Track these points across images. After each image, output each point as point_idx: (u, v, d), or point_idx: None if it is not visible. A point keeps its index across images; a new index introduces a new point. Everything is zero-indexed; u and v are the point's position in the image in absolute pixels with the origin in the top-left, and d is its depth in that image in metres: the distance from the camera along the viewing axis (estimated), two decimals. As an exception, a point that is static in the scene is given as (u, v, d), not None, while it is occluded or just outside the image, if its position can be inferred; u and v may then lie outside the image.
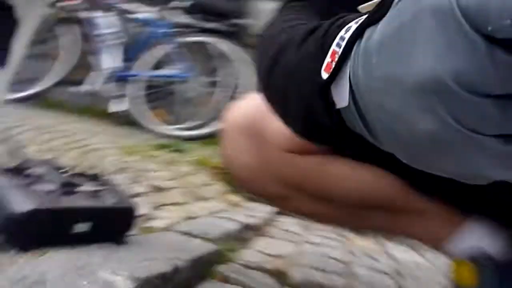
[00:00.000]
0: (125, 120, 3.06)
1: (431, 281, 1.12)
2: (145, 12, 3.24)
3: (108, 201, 0.79)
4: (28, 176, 0.78)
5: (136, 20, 3.24)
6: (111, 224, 0.79)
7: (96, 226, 0.75)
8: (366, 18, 0.39)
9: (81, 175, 0.84)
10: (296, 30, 0.53)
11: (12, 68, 0.88)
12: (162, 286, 0.71)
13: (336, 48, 0.42)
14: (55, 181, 0.77)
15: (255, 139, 0.79)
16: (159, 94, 3.23)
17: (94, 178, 0.85)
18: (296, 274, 1.00)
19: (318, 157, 0.73)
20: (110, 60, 3.11)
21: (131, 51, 3.15)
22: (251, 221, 1.38)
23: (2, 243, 0.67)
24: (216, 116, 3.10)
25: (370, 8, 0.39)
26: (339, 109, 0.43)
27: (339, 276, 1.05)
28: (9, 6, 0.86)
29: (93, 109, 3.17)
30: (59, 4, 3.06)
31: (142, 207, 1.13)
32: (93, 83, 3.09)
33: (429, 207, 0.77)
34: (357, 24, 0.40)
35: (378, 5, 0.38)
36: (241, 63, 3.10)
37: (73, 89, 3.11)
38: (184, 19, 3.26)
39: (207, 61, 3.28)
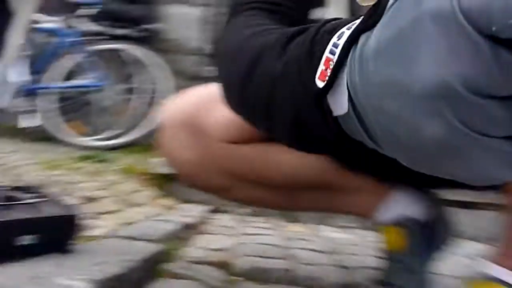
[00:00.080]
0: (40, 136, 2.93)
1: (364, 254, 1.21)
2: (50, 22, 3.11)
3: (51, 211, 0.78)
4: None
5: (40, 29, 3.10)
6: (56, 234, 0.78)
7: (41, 237, 0.74)
8: (360, 24, 0.38)
9: (18, 188, 0.82)
10: (268, 36, 0.52)
11: (7, 60, 0.85)
12: (118, 287, 0.72)
13: (330, 55, 0.41)
14: (-8, 197, 0.75)
15: (195, 133, 0.80)
16: (74, 106, 3.12)
17: (31, 190, 0.83)
18: (240, 264, 1.04)
19: (259, 145, 0.77)
20: (16, 74, 2.95)
21: (39, 63, 3.01)
22: (188, 220, 1.40)
23: None
24: (135, 123, 3.06)
25: (370, 1, 0.38)
26: (336, 117, 0.43)
27: (280, 259, 1.11)
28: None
29: (3, 127, 2.99)
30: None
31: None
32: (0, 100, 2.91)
33: (359, 183, 0.84)
34: (351, 30, 0.39)
35: (372, 9, 0.37)
36: (156, 68, 3.08)
37: (-22, 108, 2.92)
38: (93, 26, 3.17)
39: (121, 68, 3.22)
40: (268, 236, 1.38)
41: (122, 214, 1.39)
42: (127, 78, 3.21)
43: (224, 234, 1.37)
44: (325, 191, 0.84)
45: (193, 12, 3.26)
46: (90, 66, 3.06)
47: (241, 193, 0.83)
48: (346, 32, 0.40)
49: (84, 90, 3.11)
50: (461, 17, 0.29)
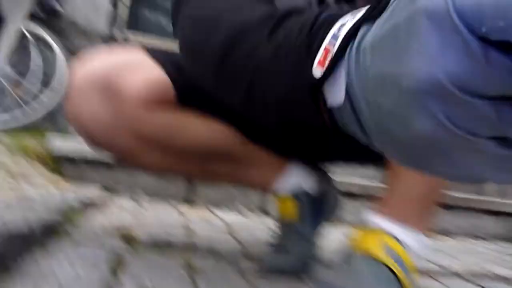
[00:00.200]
0: None
1: (259, 230, 1.29)
2: None
3: None
4: None
5: None
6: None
7: None
8: (362, 16, 0.38)
9: None
10: (251, 12, 0.50)
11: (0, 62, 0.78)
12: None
13: (329, 45, 0.41)
14: None
15: (109, 94, 0.79)
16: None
17: None
18: (143, 236, 1.07)
19: (172, 112, 0.79)
20: None
21: None
22: (84, 199, 1.39)
23: None
24: (27, 104, 2.89)
25: None
26: (329, 108, 0.42)
27: (181, 233, 1.15)
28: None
29: None
30: None
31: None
32: None
33: (259, 155, 0.91)
34: (353, 21, 0.39)
35: (376, 2, 0.37)
36: (49, 49, 2.95)
37: None
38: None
39: (17, 47, 3.02)
40: (167, 216, 1.42)
41: (15, 192, 1.34)
42: (22, 59, 3.03)
43: (124, 212, 1.38)
44: (230, 163, 0.90)
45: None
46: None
47: (150, 159, 0.84)
48: (348, 22, 0.40)
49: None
50: (454, 15, 0.29)
